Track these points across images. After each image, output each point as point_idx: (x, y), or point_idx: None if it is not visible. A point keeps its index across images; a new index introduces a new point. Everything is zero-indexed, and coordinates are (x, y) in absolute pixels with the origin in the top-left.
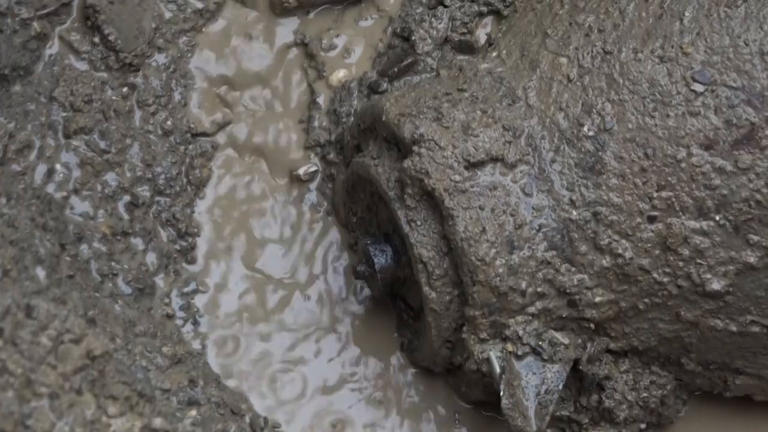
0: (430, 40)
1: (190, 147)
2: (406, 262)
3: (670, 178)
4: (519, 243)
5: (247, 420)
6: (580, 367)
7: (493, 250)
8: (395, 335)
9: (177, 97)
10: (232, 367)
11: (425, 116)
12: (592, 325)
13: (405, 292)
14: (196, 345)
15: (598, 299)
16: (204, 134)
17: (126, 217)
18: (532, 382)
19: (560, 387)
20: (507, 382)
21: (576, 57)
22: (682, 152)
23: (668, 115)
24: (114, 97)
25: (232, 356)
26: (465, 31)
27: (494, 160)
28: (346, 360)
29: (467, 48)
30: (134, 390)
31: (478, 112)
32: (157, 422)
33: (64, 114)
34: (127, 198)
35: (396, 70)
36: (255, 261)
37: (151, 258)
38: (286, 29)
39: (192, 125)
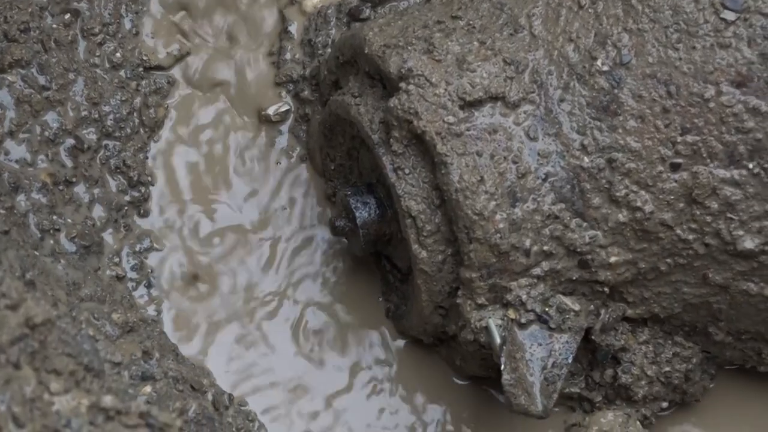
0: None
1: (143, 83)
2: (392, 217)
3: (696, 120)
4: (522, 194)
5: (210, 397)
6: (593, 338)
7: (493, 203)
8: (380, 300)
9: (127, 25)
10: (191, 337)
11: (414, 48)
12: (606, 289)
13: (391, 251)
14: (150, 311)
15: (613, 259)
16: (159, 68)
17: (69, 163)
18: (538, 355)
19: (569, 360)
20: (508, 354)
21: None
22: (710, 90)
23: (694, 47)
24: (54, 25)
25: (190, 324)
26: None
27: (494, 98)
28: (322, 329)
29: None
30: (80, 363)
31: (475, 43)
32: (107, 400)
33: None
34: (70, 141)
35: None
36: (218, 214)
37: (98, 211)
38: None
39: (145, 57)
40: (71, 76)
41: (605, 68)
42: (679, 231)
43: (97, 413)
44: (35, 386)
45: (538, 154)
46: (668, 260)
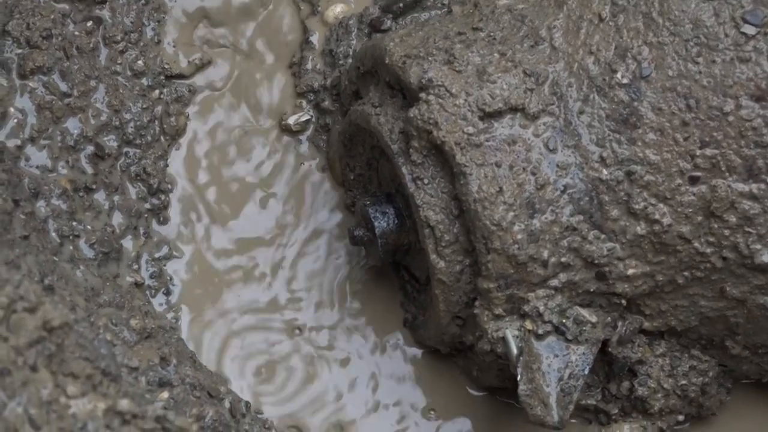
0: None
1: (164, 91)
2: (410, 227)
3: (715, 134)
4: (541, 206)
5: (227, 404)
6: (610, 350)
7: (511, 214)
8: (399, 309)
9: (149, 33)
10: (209, 344)
11: (435, 58)
12: (623, 302)
13: (409, 261)
14: (168, 318)
15: (630, 272)
16: (180, 76)
17: (89, 170)
18: (554, 366)
19: (586, 372)
20: (525, 365)
21: None
22: (729, 104)
23: (714, 61)
24: (77, 33)
25: (210, 332)
26: None
27: (513, 110)
28: (341, 337)
29: None
30: (97, 367)
31: (496, 54)
32: (124, 404)
33: (19, 51)
34: (90, 148)
35: (402, 5)
36: (238, 222)
37: (117, 218)
38: None
39: (166, 66)
40: (92, 83)
41: (625, 81)
42: (696, 244)
43: (113, 417)
44: (52, 389)
45: (557, 165)
46: (686, 273)
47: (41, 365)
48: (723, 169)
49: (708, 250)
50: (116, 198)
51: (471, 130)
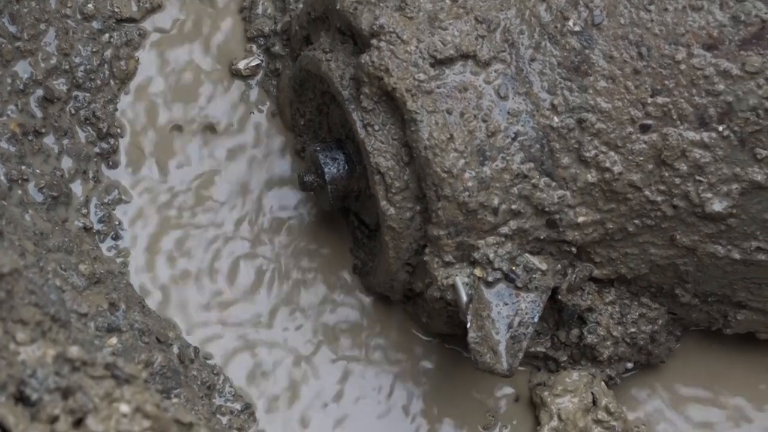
0: None
1: (114, 35)
2: (360, 173)
3: (666, 82)
4: (491, 153)
5: (175, 350)
6: (559, 297)
7: (462, 161)
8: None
9: None
10: (158, 289)
11: (386, 4)
12: (573, 249)
13: (359, 207)
14: (117, 263)
15: (581, 219)
16: (130, 20)
17: (39, 114)
18: (504, 313)
19: (536, 319)
20: (475, 312)
21: None
22: (681, 52)
23: (666, 9)
24: None
25: (157, 276)
26: None
27: (465, 56)
28: (289, 286)
29: None
30: (47, 313)
31: (447, 1)
32: (73, 351)
33: None
34: (40, 92)
35: None
36: (187, 167)
37: (67, 162)
38: None
39: (116, 9)
40: (42, 26)
41: (577, 28)
42: (647, 192)
43: (63, 364)
44: (1, 336)
45: (508, 113)
46: (636, 221)
47: None
48: (674, 117)
49: (659, 199)
50: (65, 142)
51: (422, 76)
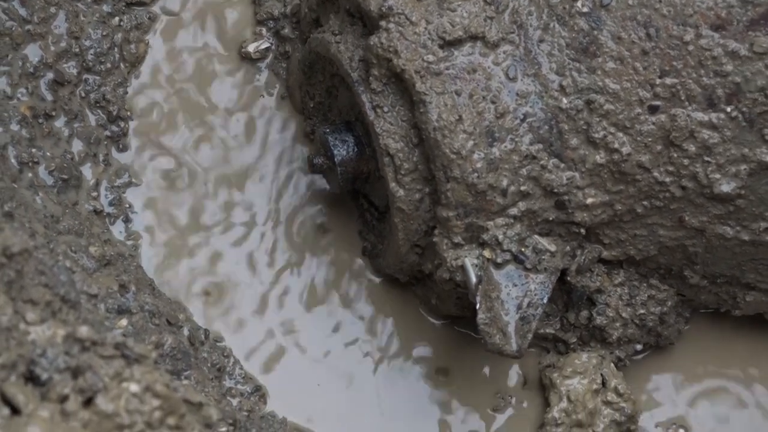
0: None
1: (124, 18)
2: (370, 155)
3: (675, 63)
4: (500, 134)
5: (186, 332)
6: (568, 279)
7: (471, 142)
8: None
9: None
10: (169, 272)
11: None
12: (582, 231)
13: (368, 189)
14: (128, 245)
15: (590, 200)
16: (140, 3)
17: (49, 97)
18: (513, 294)
19: (545, 300)
20: (484, 293)
21: None
22: (689, 33)
23: None
24: None
25: (169, 259)
26: None
27: (473, 38)
28: (300, 269)
29: None
30: (56, 294)
31: None
32: (83, 331)
33: None
34: (50, 75)
35: None
36: (197, 150)
37: (77, 145)
38: None
39: None
40: (52, 9)
41: (585, 9)
42: (656, 173)
43: (72, 343)
44: (11, 315)
45: (517, 94)
46: (645, 202)
47: (0, 291)
48: (683, 98)
49: (667, 179)
50: (76, 125)
51: (431, 58)
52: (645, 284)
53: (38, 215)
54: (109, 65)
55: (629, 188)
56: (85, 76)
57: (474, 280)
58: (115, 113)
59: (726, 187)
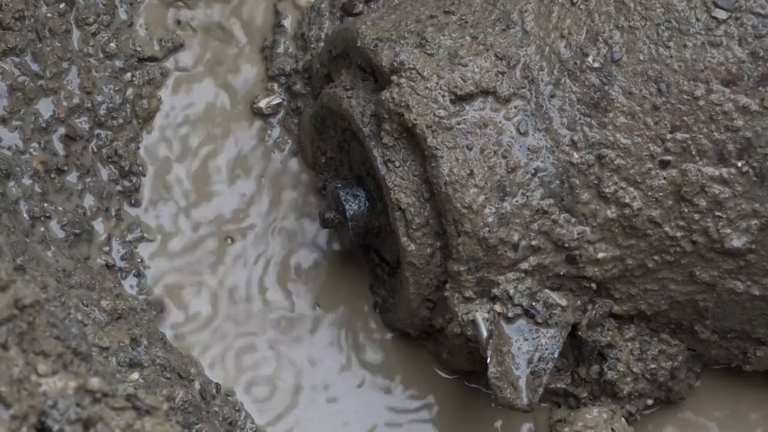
0: None
1: (136, 73)
2: (381, 209)
3: (685, 118)
4: (511, 189)
5: (197, 386)
6: (579, 333)
7: (482, 197)
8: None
9: (122, 15)
10: (180, 328)
11: (406, 42)
12: (593, 285)
13: (379, 244)
14: (139, 300)
15: (601, 255)
16: (152, 59)
17: (61, 151)
18: (524, 349)
19: (556, 355)
20: (495, 347)
21: None
22: (700, 88)
23: (685, 46)
24: (49, 14)
25: (180, 315)
26: None
27: (485, 93)
28: (312, 322)
29: None
30: (68, 346)
31: (468, 38)
32: (94, 382)
33: None
34: (62, 130)
35: None
36: (209, 206)
37: (89, 199)
38: None
39: (138, 48)
40: (65, 65)
41: (596, 65)
42: (667, 228)
43: (84, 395)
44: (23, 367)
45: (528, 149)
46: (656, 257)
47: (12, 343)
48: (693, 153)
49: (678, 234)
50: (88, 180)
51: (442, 113)
52: (656, 339)
53: (50, 269)
54: (121, 120)
55: (640, 243)
56: (98, 131)
57: (485, 334)
58: (127, 168)
59: (737, 242)
